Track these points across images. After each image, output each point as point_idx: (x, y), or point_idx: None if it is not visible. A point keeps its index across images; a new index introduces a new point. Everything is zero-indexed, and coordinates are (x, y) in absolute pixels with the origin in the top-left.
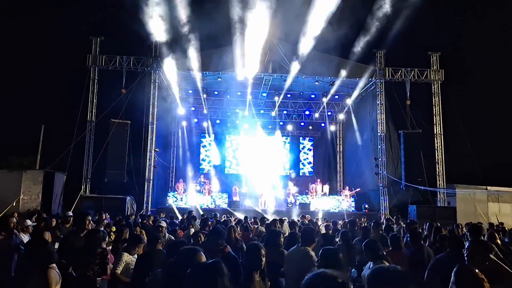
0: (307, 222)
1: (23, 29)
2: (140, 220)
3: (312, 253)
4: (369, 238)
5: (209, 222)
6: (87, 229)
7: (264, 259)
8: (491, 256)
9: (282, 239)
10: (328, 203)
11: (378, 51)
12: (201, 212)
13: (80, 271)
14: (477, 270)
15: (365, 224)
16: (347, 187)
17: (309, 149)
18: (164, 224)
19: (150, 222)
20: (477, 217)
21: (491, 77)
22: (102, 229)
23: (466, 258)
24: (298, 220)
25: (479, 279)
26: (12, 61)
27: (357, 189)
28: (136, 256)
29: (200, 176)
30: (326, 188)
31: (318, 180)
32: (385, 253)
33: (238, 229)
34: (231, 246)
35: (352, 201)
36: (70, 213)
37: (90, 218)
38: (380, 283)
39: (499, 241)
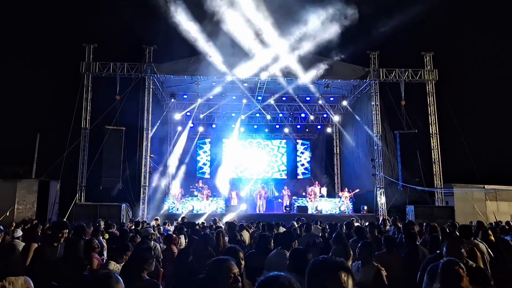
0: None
1: (15, 37)
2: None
3: None
4: (365, 239)
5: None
6: (60, 242)
7: (243, 262)
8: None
9: (272, 244)
10: (327, 205)
11: (371, 52)
12: (182, 219)
13: (60, 283)
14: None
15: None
16: (346, 189)
17: (306, 152)
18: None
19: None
20: (475, 216)
21: (486, 75)
22: (101, 237)
23: (444, 255)
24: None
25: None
26: (5, 70)
27: (356, 190)
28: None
29: (198, 181)
30: (324, 190)
31: (316, 182)
32: (376, 257)
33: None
34: (219, 251)
35: (350, 203)
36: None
37: (66, 231)
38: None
39: (492, 238)
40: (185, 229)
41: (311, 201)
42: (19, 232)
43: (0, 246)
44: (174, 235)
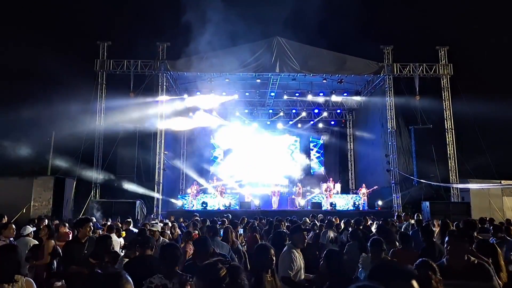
0: (308, 221)
1: (30, 35)
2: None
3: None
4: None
5: (217, 225)
6: (88, 236)
7: (274, 259)
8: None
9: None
10: (341, 201)
11: (385, 47)
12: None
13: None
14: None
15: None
16: (364, 185)
17: (320, 148)
18: (158, 227)
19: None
20: (492, 212)
21: (501, 69)
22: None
23: (446, 252)
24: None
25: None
26: (21, 69)
27: (375, 187)
28: None
29: (213, 178)
30: (338, 186)
31: (330, 178)
32: (392, 253)
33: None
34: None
35: (366, 199)
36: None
37: (91, 224)
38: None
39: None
40: (198, 226)
41: (327, 197)
42: (29, 229)
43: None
44: (196, 232)
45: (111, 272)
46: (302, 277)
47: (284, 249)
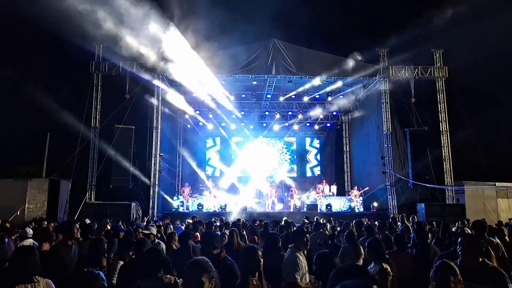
0: (306, 222)
1: (25, 36)
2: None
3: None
4: (373, 237)
5: (213, 226)
6: (76, 238)
7: (262, 260)
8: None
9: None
10: (337, 203)
11: (381, 49)
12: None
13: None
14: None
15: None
16: (355, 187)
17: (316, 150)
18: (154, 230)
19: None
20: (486, 214)
21: (496, 71)
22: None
23: (459, 254)
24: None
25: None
26: (16, 69)
27: (366, 188)
28: None
29: (209, 179)
30: (334, 188)
31: (323, 180)
32: (387, 255)
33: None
34: (233, 250)
35: (361, 201)
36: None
37: (78, 226)
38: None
39: (507, 238)
40: (200, 227)
41: (319, 198)
42: (30, 232)
43: (19, 248)
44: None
45: (90, 272)
46: (307, 280)
47: (288, 252)
